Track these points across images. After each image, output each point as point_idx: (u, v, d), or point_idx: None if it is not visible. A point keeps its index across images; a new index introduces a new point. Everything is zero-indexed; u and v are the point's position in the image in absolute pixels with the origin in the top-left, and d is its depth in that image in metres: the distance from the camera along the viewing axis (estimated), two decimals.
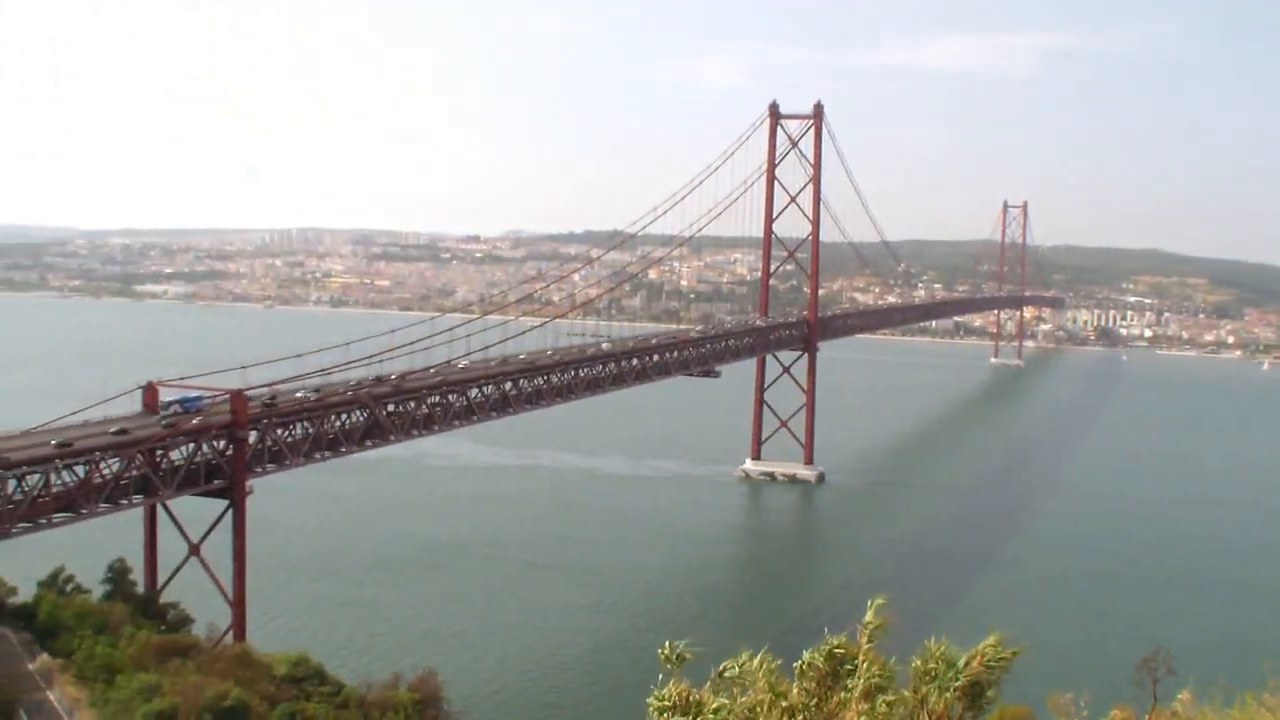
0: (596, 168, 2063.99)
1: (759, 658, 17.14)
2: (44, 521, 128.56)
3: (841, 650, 17.40)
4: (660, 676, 16.77)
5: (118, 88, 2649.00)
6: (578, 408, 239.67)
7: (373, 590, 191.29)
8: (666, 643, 16.81)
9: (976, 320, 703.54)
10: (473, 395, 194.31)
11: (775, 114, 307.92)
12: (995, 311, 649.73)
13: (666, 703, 16.42)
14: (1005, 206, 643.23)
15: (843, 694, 17.17)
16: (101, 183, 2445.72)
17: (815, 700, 17.05)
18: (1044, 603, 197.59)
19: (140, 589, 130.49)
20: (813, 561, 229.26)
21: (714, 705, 16.28)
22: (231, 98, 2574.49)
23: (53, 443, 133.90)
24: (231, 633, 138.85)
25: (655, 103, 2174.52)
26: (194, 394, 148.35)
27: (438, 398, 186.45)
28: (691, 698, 16.31)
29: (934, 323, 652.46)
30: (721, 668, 16.79)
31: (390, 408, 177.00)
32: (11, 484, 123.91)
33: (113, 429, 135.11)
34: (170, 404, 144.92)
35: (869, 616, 17.95)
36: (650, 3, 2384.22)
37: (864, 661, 17.31)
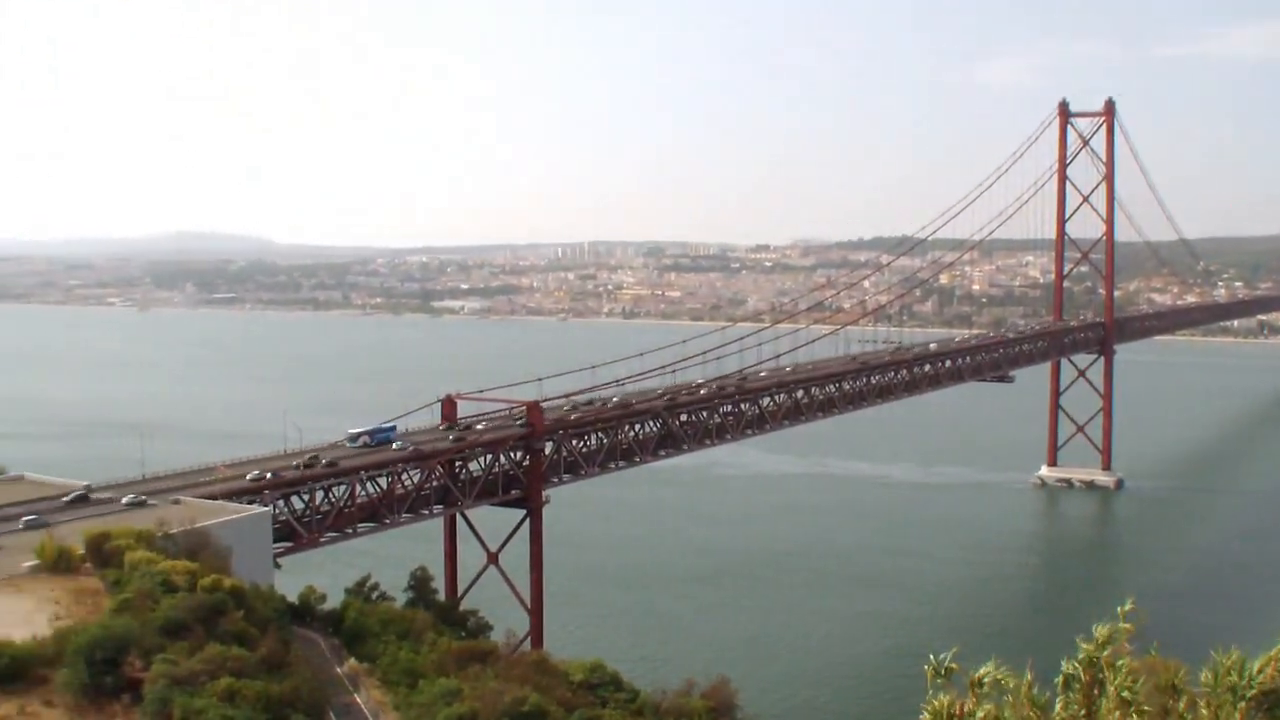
0: (884, 173, 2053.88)
1: (995, 668, 16.72)
2: (350, 531, 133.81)
3: (1099, 658, 16.81)
4: (930, 691, 16.66)
5: (422, 113, 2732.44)
6: (869, 415, 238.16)
7: (665, 598, 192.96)
8: (932, 656, 16.67)
9: None
10: (764, 404, 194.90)
11: (1065, 112, 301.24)
12: None
13: (937, 714, 16.26)
14: None
15: (1103, 703, 16.62)
16: (401, 204, 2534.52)
17: (1084, 711, 16.61)
18: None
19: (441, 596, 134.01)
20: (1110, 570, 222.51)
21: (979, 716, 16.05)
22: (525, 124, 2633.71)
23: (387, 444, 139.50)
24: (529, 639, 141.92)
25: (942, 106, 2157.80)
26: (387, 425, 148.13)
27: (730, 406, 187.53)
28: (965, 708, 16.15)
29: (1236, 322, 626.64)
30: (977, 675, 16.53)
31: (683, 417, 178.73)
32: (319, 495, 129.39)
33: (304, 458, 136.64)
34: (359, 435, 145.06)
35: (1099, 630, 17.24)
36: (933, 7, 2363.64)
37: (1110, 671, 16.73)
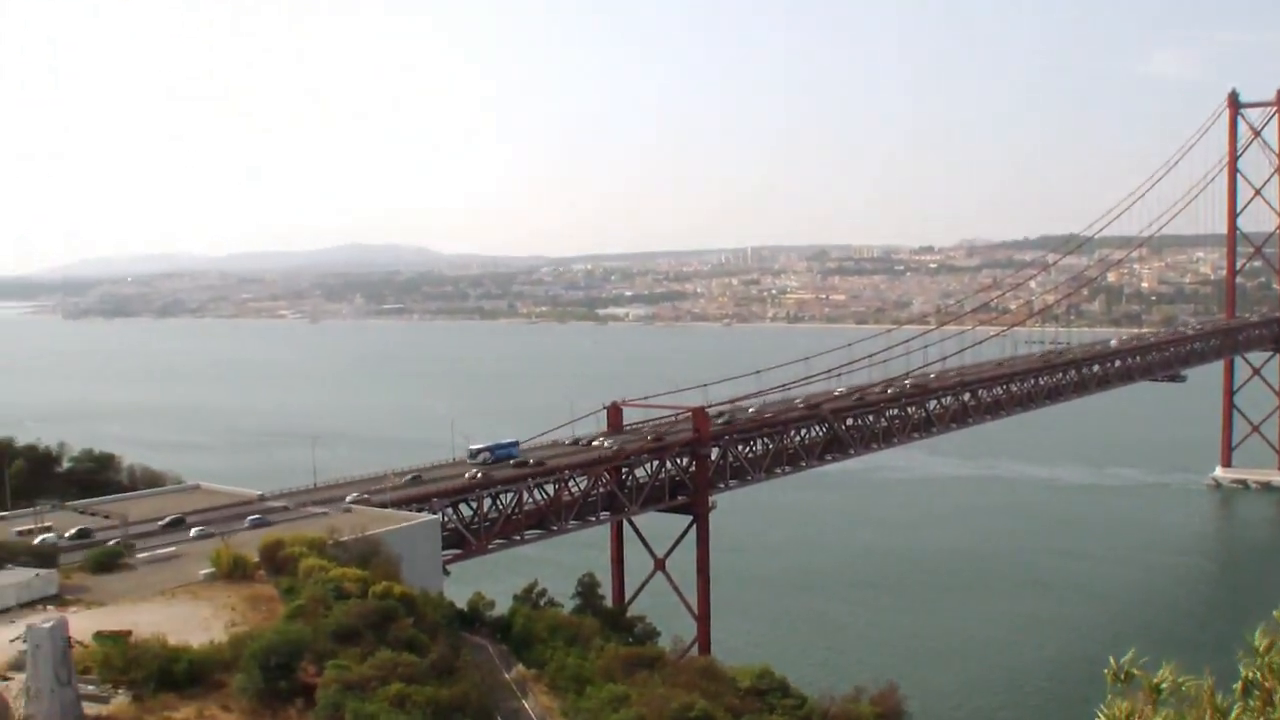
0: (1050, 170, 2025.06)
1: (1173, 673, 16.08)
2: (518, 538, 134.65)
3: (1265, 665, 16.07)
4: (1108, 695, 16.12)
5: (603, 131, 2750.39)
6: (1036, 416, 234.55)
7: (832, 603, 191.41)
8: (1111, 659, 16.13)
9: None
10: (931, 407, 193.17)
11: (1234, 103, 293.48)
12: None
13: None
14: None
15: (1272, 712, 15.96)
16: (565, 212, 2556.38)
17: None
18: None
19: (608, 602, 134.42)
20: None
21: None
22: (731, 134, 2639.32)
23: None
24: (696, 645, 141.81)
25: (1108, 100, 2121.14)
26: (507, 441, 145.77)
27: (896, 410, 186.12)
28: (1143, 715, 15.58)
29: None
30: (1156, 679, 15.91)
31: (849, 421, 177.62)
32: (487, 502, 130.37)
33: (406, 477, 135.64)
34: (479, 451, 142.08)
35: (1255, 637, 16.44)
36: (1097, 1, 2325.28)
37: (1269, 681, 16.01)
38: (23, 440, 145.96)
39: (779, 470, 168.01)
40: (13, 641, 69.10)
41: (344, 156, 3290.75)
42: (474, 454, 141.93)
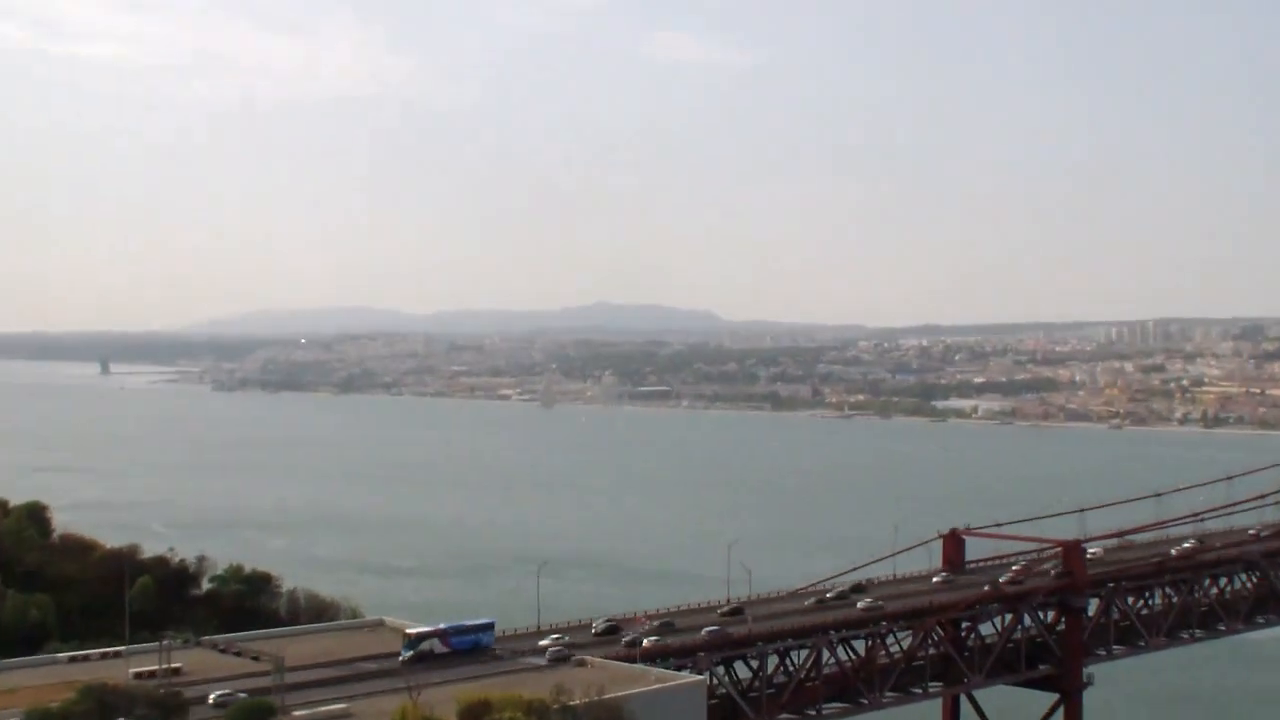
0: None
1: None
2: (812, 712, 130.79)
3: None
4: None
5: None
6: None
7: None
8: None
9: None
10: None
11: None
12: None
13: None
14: None
15: None
16: (894, 272, 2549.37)
17: None
18: None
19: None
20: None
21: None
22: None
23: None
24: None
25: None
26: (475, 622, 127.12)
27: None
28: None
29: None
30: None
31: None
32: (772, 661, 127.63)
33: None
34: (422, 639, 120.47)
35: None
36: None
37: None
38: (150, 550, 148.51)
39: (1186, 634, 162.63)
40: None
41: (593, 198, 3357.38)
42: (412, 643, 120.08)
